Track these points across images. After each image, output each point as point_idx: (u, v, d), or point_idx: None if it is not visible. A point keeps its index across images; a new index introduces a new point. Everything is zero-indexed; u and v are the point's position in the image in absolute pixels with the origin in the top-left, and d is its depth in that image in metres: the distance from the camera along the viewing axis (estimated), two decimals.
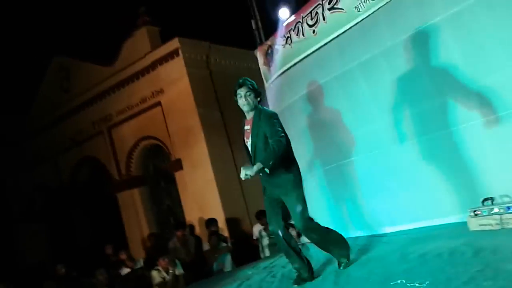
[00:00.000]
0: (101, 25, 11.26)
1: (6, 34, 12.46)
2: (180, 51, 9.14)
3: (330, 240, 3.71)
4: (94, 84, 10.68)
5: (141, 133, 10.23)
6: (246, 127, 3.71)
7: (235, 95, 3.68)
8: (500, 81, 3.86)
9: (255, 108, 3.65)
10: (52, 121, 11.90)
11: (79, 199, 12.04)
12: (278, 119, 3.60)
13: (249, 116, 3.68)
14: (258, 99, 3.69)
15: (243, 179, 3.39)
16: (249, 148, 3.67)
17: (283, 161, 3.51)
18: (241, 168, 3.37)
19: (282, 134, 3.50)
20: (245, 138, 3.71)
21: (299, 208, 3.55)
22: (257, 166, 3.35)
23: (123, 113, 10.44)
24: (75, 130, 11.50)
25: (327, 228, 3.79)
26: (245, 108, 3.66)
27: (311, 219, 3.67)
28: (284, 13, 5.81)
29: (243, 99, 3.62)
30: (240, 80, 3.66)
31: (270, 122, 3.54)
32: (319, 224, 3.70)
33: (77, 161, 11.79)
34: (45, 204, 13.05)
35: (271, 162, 3.35)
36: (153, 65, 9.57)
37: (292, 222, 6.67)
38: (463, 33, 4.07)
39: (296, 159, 3.71)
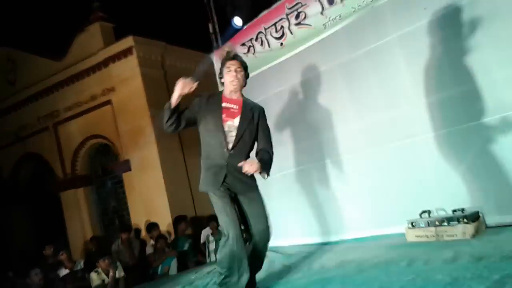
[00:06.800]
0: (52, 17, 10.85)
1: None
2: (134, 50, 8.96)
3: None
4: (42, 78, 10.29)
5: (89, 131, 9.93)
6: (231, 106, 3.22)
7: (222, 67, 3.27)
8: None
9: (240, 90, 3.28)
10: None
11: (20, 196, 11.52)
12: None
13: (233, 95, 3.25)
14: (245, 81, 3.32)
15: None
16: (228, 129, 3.15)
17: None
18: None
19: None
20: (224, 116, 3.17)
21: (266, 212, 3.22)
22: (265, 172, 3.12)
23: (71, 109, 10.11)
24: (19, 125, 11.04)
25: None
26: (233, 85, 3.21)
27: None
28: (238, 22, 5.84)
29: (233, 74, 3.21)
30: (231, 53, 3.28)
31: (267, 125, 3.32)
32: None
33: (20, 157, 11.29)
34: None
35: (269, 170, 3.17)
36: (105, 62, 9.33)
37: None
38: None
39: None
